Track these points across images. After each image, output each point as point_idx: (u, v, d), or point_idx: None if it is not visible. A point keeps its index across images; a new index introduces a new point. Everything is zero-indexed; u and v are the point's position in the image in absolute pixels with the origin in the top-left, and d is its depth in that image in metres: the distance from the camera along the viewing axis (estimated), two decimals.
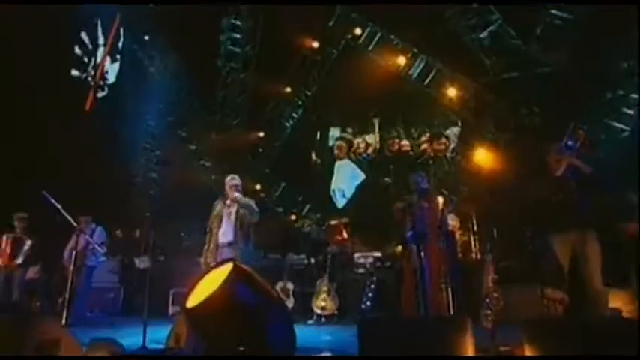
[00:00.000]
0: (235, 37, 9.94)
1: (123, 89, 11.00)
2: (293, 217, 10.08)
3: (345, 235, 8.44)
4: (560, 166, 4.12)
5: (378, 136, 9.98)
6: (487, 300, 3.45)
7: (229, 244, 4.54)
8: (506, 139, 8.17)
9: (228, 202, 4.70)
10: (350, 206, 9.71)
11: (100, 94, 10.59)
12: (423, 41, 9.06)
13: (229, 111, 10.58)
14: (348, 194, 9.96)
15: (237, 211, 4.58)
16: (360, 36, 9.58)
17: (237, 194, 4.64)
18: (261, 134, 10.55)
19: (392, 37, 9.33)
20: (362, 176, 9.92)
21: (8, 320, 2.77)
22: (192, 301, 2.41)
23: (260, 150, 10.83)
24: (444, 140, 9.34)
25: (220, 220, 4.72)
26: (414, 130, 9.74)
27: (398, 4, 8.07)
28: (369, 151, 9.97)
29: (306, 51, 10.10)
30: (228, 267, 2.54)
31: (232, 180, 4.78)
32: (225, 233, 4.62)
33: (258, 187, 10.59)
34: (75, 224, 5.34)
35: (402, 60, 9.21)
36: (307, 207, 10.48)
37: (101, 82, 10.74)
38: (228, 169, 11.16)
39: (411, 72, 9.24)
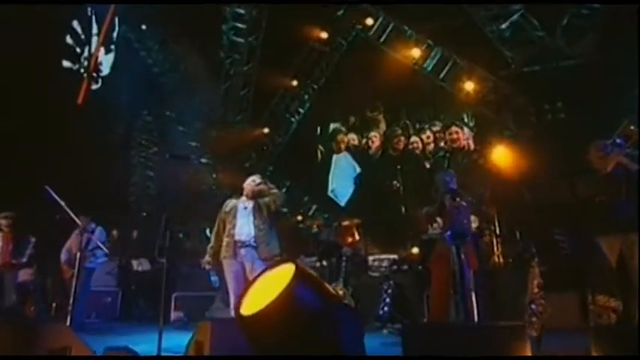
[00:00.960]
0: (239, 26, 9.74)
1: (118, 82, 10.78)
2: (299, 218, 9.89)
3: (357, 236, 8.27)
4: (607, 164, 3.99)
5: (382, 132, 9.83)
6: (532, 306, 3.29)
7: (247, 244, 4.40)
8: (527, 135, 8.02)
9: (243, 198, 4.56)
10: (355, 204, 9.54)
11: (93, 87, 10.36)
12: (438, 33, 8.91)
13: (232, 105, 10.38)
14: (349, 190, 9.81)
15: (254, 206, 4.49)
16: (372, 26, 9.41)
17: (262, 187, 4.62)
18: (266, 130, 10.35)
19: (405, 27, 9.17)
20: (358, 169, 9.78)
21: (16, 327, 2.57)
22: (249, 308, 2.21)
23: (264, 147, 10.64)
24: (455, 129, 9.16)
25: (234, 217, 4.57)
26: (420, 124, 9.59)
27: None
28: (372, 149, 9.83)
29: (314, 42, 9.91)
30: (288, 269, 2.34)
31: (253, 183, 4.68)
32: (240, 230, 4.47)
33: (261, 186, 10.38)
34: (78, 222, 5.13)
35: (415, 52, 9.06)
36: (314, 207, 10.31)
37: (94, 74, 10.52)
38: (229, 166, 11.03)
39: (425, 65, 9.09)
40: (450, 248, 4.06)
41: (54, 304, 6.92)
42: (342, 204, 9.81)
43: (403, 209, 8.45)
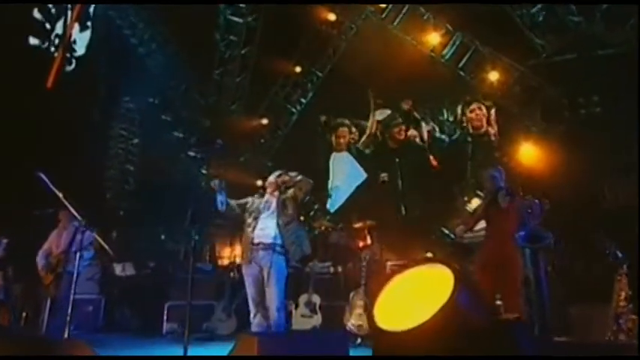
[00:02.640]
0: (236, 5, 9.29)
1: (95, 64, 10.19)
2: (301, 219, 9.47)
3: (369, 240, 7.90)
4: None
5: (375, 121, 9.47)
6: (620, 322, 2.99)
7: (269, 245, 4.16)
8: (557, 132, 7.79)
9: (267, 196, 4.41)
10: (361, 205, 9.18)
11: (66, 69, 9.73)
12: (458, 17, 8.61)
13: (226, 93, 9.90)
14: (344, 195, 9.43)
15: (277, 202, 4.29)
16: (385, 9, 9.07)
17: (284, 178, 4.38)
18: (264, 121, 9.90)
19: (422, 10, 8.86)
20: (363, 176, 9.34)
21: (29, 342, 2.20)
22: (394, 321, 1.83)
23: (261, 140, 10.19)
24: (476, 106, 8.83)
25: (255, 218, 4.32)
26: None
27: None
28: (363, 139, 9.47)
29: (320, 24, 9.51)
30: (446, 273, 1.94)
31: (274, 176, 4.52)
32: (263, 231, 4.21)
33: (259, 182, 9.93)
34: (78, 217, 4.64)
35: (433, 38, 8.75)
36: (315, 207, 9.91)
37: (67, 54, 9.89)
38: (222, 160, 10.55)
39: (444, 53, 8.79)
40: (519, 251, 3.74)
41: (24, 314, 6.40)
42: (332, 210, 9.34)
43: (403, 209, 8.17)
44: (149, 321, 6.92)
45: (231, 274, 6.90)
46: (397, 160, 9.05)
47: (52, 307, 5.52)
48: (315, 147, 10.31)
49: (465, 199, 8.56)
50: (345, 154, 9.58)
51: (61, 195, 4.59)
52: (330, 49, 9.56)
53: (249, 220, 4.33)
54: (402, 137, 9.45)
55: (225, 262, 8.83)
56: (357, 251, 7.62)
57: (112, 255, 5.68)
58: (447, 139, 9.20)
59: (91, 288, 7.05)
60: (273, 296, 4.05)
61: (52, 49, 9.86)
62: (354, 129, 9.67)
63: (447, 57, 8.80)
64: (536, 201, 3.91)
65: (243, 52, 9.51)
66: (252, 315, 4.16)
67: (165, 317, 6.63)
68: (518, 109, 8.31)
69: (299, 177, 4.35)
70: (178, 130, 10.74)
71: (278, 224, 4.18)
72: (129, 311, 7.45)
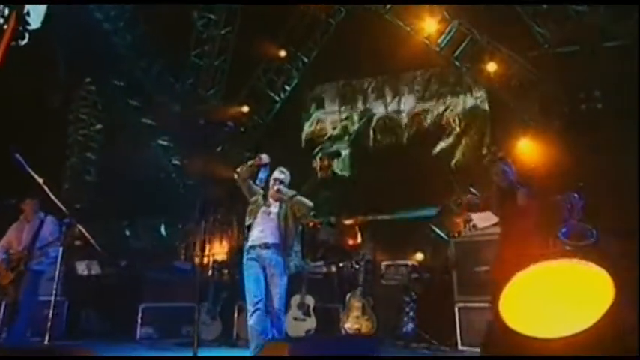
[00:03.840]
0: None
1: (53, 40, 9.50)
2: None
3: (359, 238, 7.71)
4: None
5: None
6: None
7: (268, 245, 4.06)
8: (555, 127, 7.78)
9: (269, 200, 4.22)
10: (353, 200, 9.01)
11: (18, 43, 9.05)
12: (456, 3, 8.50)
13: (203, 77, 9.46)
14: None
15: (278, 213, 4.16)
16: None
17: (280, 187, 4.20)
18: (244, 109, 9.52)
19: None
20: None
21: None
22: (533, 324, 1.58)
23: (241, 129, 9.81)
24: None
25: (254, 218, 4.19)
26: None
27: None
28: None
29: (307, 6, 9.21)
30: (601, 274, 1.70)
31: (276, 173, 4.35)
32: (262, 233, 4.12)
33: (236, 175, 9.56)
34: (62, 207, 4.22)
35: (428, 25, 8.61)
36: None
37: (19, 28, 9.21)
38: (195, 150, 10.11)
39: (439, 41, 8.67)
40: None
41: None
42: None
43: None
44: (117, 325, 6.50)
45: (215, 273, 6.53)
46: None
47: (11, 309, 5.05)
48: (298, 139, 10.07)
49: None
50: None
51: (41, 181, 4.16)
52: (318, 33, 9.26)
53: (249, 219, 4.19)
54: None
55: (204, 260, 8.43)
56: (348, 249, 7.43)
57: (101, 251, 5.23)
58: None
59: (52, 289, 6.51)
60: (277, 297, 3.97)
61: (1, 20, 9.14)
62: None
63: (442, 45, 8.68)
64: (575, 195, 3.77)
65: (222, 32, 9.09)
66: (249, 314, 3.97)
67: (139, 320, 6.20)
68: (515, 102, 8.27)
69: (296, 198, 4.17)
70: (148, 117, 10.21)
71: (279, 229, 4.09)
72: (95, 315, 6.97)
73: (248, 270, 4.06)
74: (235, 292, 6.22)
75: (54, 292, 3.95)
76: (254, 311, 3.92)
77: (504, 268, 4.02)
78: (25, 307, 5.14)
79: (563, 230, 3.64)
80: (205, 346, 5.70)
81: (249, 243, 4.10)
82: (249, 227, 4.16)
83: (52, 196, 4.10)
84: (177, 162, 10.29)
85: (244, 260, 4.11)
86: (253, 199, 4.26)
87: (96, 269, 7.57)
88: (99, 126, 10.65)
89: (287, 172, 4.37)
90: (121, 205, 9.76)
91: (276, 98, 9.63)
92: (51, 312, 3.70)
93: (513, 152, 7.95)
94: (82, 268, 7.38)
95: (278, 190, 4.16)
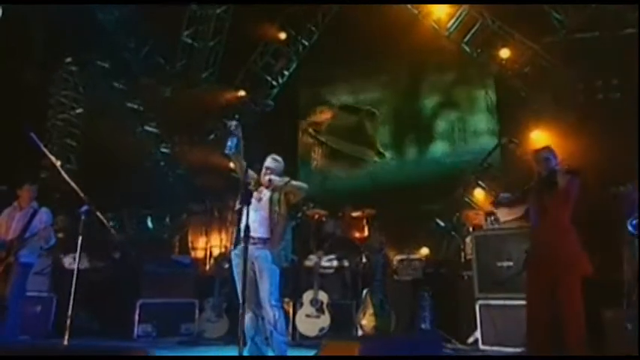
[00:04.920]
0: None
1: (29, 15, 9.09)
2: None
3: (367, 231, 7.56)
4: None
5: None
6: None
7: (259, 239, 3.89)
8: (571, 118, 7.72)
9: (261, 188, 4.05)
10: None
11: None
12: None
13: (196, 58, 9.16)
14: None
15: (270, 198, 3.99)
16: None
17: (271, 177, 4.02)
18: (241, 93, 9.26)
19: None
20: None
21: None
22: None
23: (235, 115, 9.54)
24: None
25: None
26: None
27: None
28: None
29: None
30: None
31: (268, 161, 4.16)
32: (252, 224, 3.77)
33: (232, 164, 9.31)
34: (80, 193, 3.95)
35: (436, 7, 8.50)
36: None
37: None
38: (186, 137, 9.83)
39: (448, 26, 8.57)
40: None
41: None
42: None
43: None
44: (109, 323, 6.24)
45: (218, 267, 6.31)
46: None
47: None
48: (295, 127, 9.88)
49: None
50: None
51: (58, 163, 3.89)
52: (319, 16, 9.05)
53: (238, 204, 3.93)
54: None
55: (200, 253, 8.19)
56: (356, 242, 7.28)
57: (119, 236, 4.96)
58: None
59: (40, 284, 6.19)
60: (265, 293, 3.80)
61: None
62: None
63: (451, 30, 8.58)
64: (632, 186, 3.68)
65: (218, 11, 8.77)
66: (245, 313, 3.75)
67: (137, 317, 5.94)
68: (527, 91, 8.22)
69: (290, 183, 4.01)
70: (134, 101, 9.88)
71: (270, 219, 3.92)
72: (84, 313, 6.66)
73: (235, 268, 3.93)
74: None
75: (73, 286, 3.59)
76: (242, 313, 3.79)
77: (541, 266, 3.91)
78: (14, 303, 4.86)
79: (634, 222, 3.53)
80: (212, 345, 5.50)
81: (236, 234, 3.95)
82: (238, 212, 3.91)
83: (69, 179, 3.81)
84: (165, 150, 9.98)
85: (232, 254, 3.99)
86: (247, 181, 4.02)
87: (83, 263, 7.25)
88: (79, 110, 10.25)
89: (280, 160, 4.19)
90: (103, 195, 9.43)
91: (274, 83, 9.37)
92: (70, 309, 3.37)
93: (525, 143, 7.97)
94: (68, 261, 7.04)
95: (269, 181, 4.00)
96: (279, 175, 4.06)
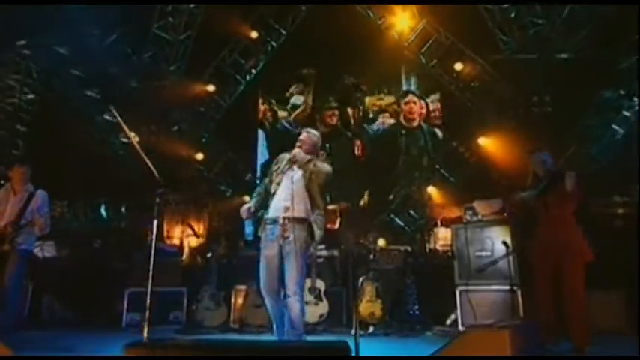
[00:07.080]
0: None
1: None
2: (246, 198, 8.87)
3: (337, 224, 7.72)
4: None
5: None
6: None
7: (282, 220, 3.70)
8: (509, 127, 8.40)
9: (293, 166, 3.87)
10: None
11: None
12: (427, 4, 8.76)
13: (166, 50, 8.77)
14: None
15: (302, 175, 3.80)
16: None
17: (296, 150, 3.88)
18: (210, 88, 8.99)
19: None
20: None
21: None
22: None
23: (201, 109, 9.27)
24: (412, 98, 9.27)
25: (278, 184, 3.85)
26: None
27: None
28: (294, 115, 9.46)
29: None
30: None
31: (302, 134, 4.00)
32: (282, 203, 3.76)
33: (200, 156, 9.05)
34: (157, 175, 3.66)
35: (399, 20, 8.83)
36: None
37: None
38: (149, 129, 9.35)
39: (409, 38, 8.94)
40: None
41: None
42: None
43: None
44: (103, 312, 5.87)
45: (216, 256, 6.14)
46: (327, 145, 9.01)
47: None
48: (254, 124, 9.78)
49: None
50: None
51: (136, 140, 3.59)
52: (290, 17, 9.04)
53: (273, 187, 3.83)
54: (333, 122, 9.52)
55: (177, 242, 7.87)
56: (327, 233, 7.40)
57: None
58: (375, 129, 9.49)
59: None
60: (290, 277, 3.60)
61: None
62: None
63: (410, 41, 8.95)
64: None
65: (191, 6, 8.50)
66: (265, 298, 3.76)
67: (125, 306, 5.63)
68: (474, 102, 8.81)
69: (313, 162, 3.83)
70: (93, 89, 9.23)
71: (299, 196, 3.73)
72: (56, 302, 6.21)
73: (262, 250, 3.78)
74: (232, 276, 5.96)
75: (150, 278, 3.31)
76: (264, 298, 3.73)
77: (547, 255, 4.23)
78: (14, 291, 4.45)
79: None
80: (211, 334, 5.35)
81: (267, 214, 3.79)
82: (273, 194, 3.80)
83: (145, 158, 3.53)
84: (125, 139, 9.42)
85: (261, 235, 3.82)
86: (274, 167, 3.95)
87: (50, 251, 6.73)
88: (31, 95, 9.39)
89: (315, 134, 4.01)
90: (54, 183, 8.75)
91: (242, 81, 9.22)
92: (148, 299, 3.14)
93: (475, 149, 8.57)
94: (39, 249, 6.50)
95: (294, 155, 3.84)
96: (311, 152, 3.90)
